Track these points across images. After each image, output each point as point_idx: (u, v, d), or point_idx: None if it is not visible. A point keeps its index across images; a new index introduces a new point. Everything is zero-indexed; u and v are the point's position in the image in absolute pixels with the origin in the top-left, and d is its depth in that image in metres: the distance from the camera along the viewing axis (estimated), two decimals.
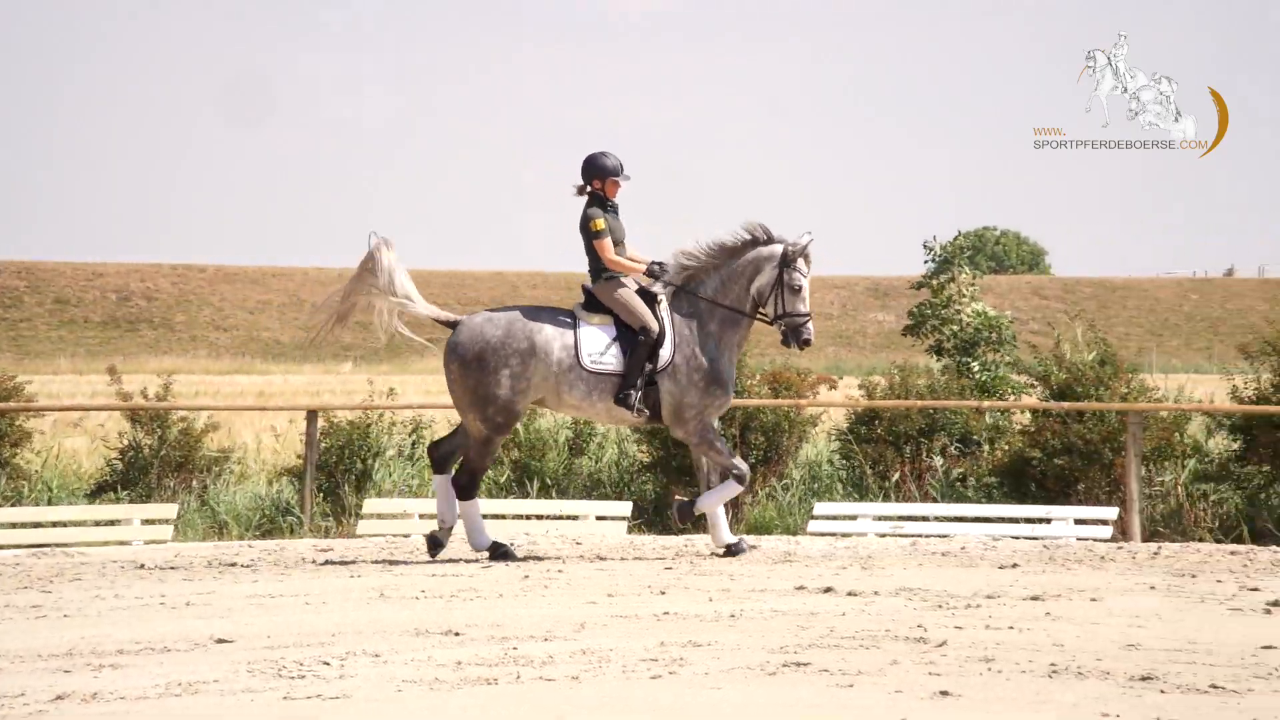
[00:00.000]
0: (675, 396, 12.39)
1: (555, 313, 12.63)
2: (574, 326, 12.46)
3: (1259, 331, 18.41)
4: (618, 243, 12.51)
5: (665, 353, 12.39)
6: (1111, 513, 15.16)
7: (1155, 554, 13.61)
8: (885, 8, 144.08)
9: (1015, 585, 11.20)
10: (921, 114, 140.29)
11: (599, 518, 15.64)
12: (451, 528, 12.63)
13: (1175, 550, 13.93)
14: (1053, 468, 15.79)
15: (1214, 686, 7.55)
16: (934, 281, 21.28)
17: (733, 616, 9.64)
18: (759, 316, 12.55)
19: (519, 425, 15.91)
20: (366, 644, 8.66)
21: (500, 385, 12.32)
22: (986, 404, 17.12)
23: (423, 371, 48.64)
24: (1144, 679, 7.67)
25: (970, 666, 7.97)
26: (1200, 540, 15.22)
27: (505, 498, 16.52)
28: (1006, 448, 16.49)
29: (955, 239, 21.39)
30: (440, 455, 12.74)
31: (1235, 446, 16.10)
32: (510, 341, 12.34)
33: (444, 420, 19.62)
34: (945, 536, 14.81)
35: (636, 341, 12.32)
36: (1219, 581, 11.67)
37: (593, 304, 12.54)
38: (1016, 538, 14.71)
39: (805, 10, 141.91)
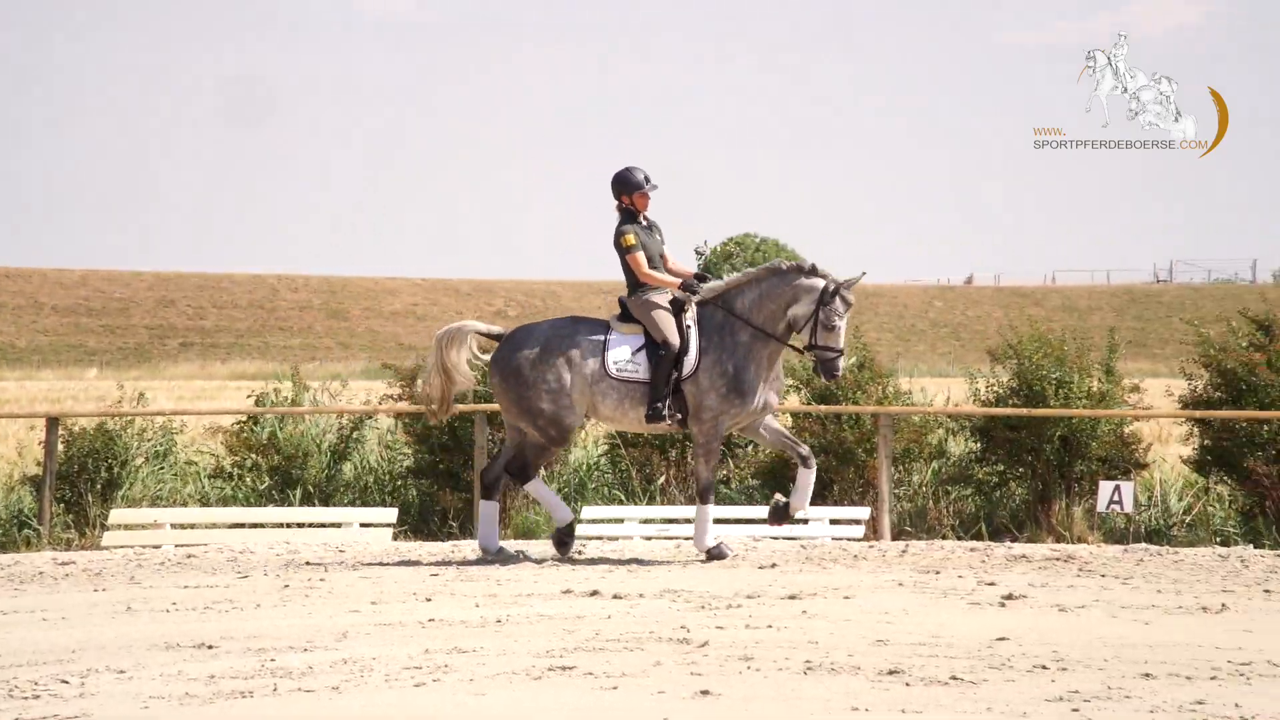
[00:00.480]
0: (696, 398, 12.56)
1: (592, 324, 12.84)
2: (605, 337, 12.67)
3: (998, 336, 18.98)
4: (652, 255, 12.57)
5: (689, 361, 12.54)
6: (864, 513, 15.56)
7: (903, 552, 14.00)
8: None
9: (774, 585, 11.42)
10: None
11: (363, 525, 15.45)
12: (496, 550, 12.94)
13: (921, 548, 14.35)
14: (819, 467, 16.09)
15: (954, 678, 7.83)
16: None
17: (499, 621, 9.65)
18: (790, 344, 12.65)
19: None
20: (111, 660, 8.44)
21: (542, 399, 12.61)
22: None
23: (175, 377, 47.54)
24: (891, 673, 7.93)
25: (730, 665, 8.13)
26: (944, 538, 15.69)
27: (265, 505, 16.26)
28: (768, 450, 16.73)
29: (725, 244, 21.57)
30: (489, 481, 12.95)
31: (976, 447, 16.61)
32: (546, 355, 12.59)
33: (196, 425, 19.25)
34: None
35: (660, 354, 12.55)
36: (960, 577, 12.06)
37: (627, 315, 12.71)
38: (776, 538, 14.98)
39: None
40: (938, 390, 20.99)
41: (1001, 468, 16.33)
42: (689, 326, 12.57)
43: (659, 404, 12.47)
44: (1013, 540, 15.41)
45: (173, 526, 15.11)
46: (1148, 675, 8.00)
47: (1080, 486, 15.97)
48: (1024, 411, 15.93)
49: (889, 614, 10.03)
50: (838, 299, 12.42)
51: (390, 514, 15.64)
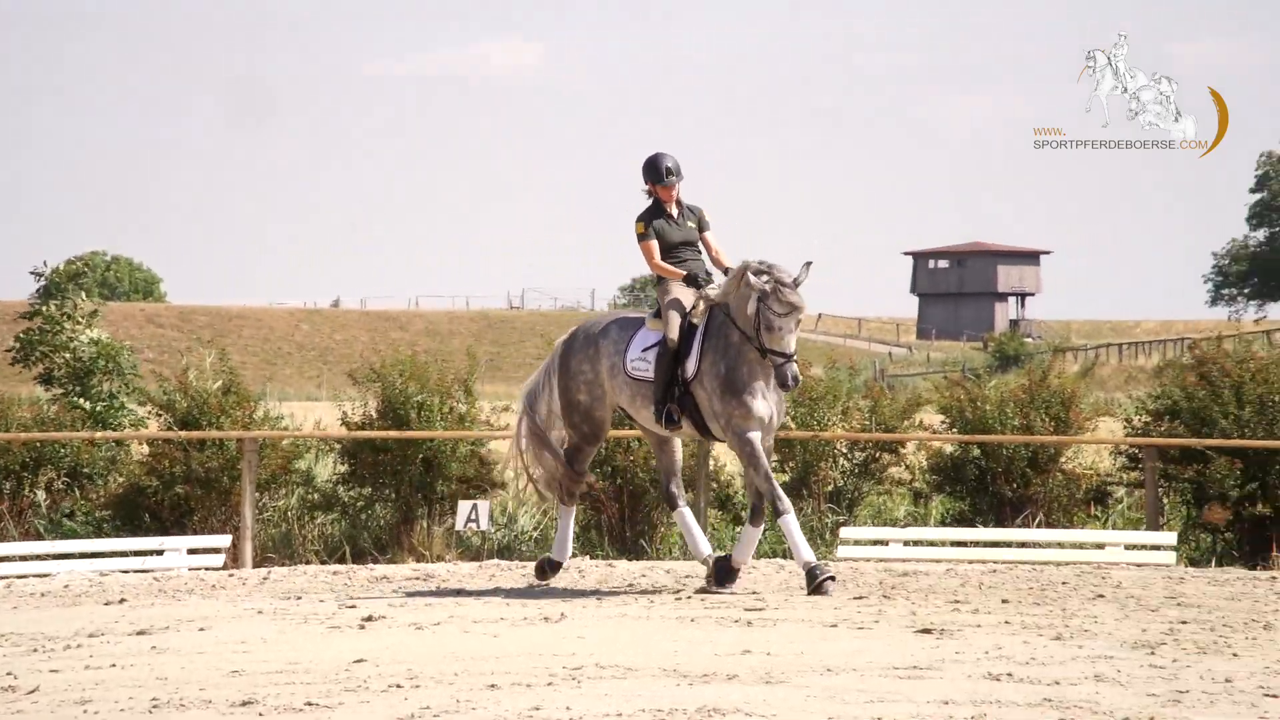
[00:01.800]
0: (705, 404, 12.03)
1: (629, 320, 12.53)
2: (634, 332, 12.30)
3: (365, 360, 19.05)
4: (674, 245, 12.16)
5: (690, 364, 12.00)
6: (225, 540, 15.27)
7: (265, 579, 13.87)
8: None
9: (121, 621, 11.07)
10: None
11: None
12: (710, 557, 12.47)
13: (284, 574, 14.26)
14: (171, 497, 15.67)
15: (309, 704, 7.81)
16: (45, 309, 20.19)
17: None
18: (758, 346, 11.82)
19: None
20: None
21: (580, 390, 12.49)
22: (99, 434, 16.65)
23: None
24: (245, 704, 7.82)
25: (65, 710, 7.81)
26: (308, 563, 15.63)
27: None
28: (121, 479, 16.17)
29: (68, 264, 20.58)
30: (669, 492, 12.68)
31: (344, 471, 16.63)
32: (583, 347, 12.43)
33: None
34: (46, 576, 14.26)
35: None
36: (322, 601, 12.07)
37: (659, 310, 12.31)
38: (126, 571, 14.48)
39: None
40: (307, 414, 20.90)
41: (368, 490, 16.41)
42: (695, 325, 12.09)
43: (663, 404, 12.07)
44: (375, 562, 15.51)
45: None
46: (494, 686, 8.22)
47: (441, 506, 16.24)
48: (392, 434, 16.06)
49: (246, 643, 9.90)
50: (774, 297, 11.65)
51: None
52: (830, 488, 16.82)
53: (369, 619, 10.94)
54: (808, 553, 11.93)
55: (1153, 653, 9.45)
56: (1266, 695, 8.05)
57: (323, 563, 15.66)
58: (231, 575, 14.28)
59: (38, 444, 15.94)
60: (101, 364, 18.80)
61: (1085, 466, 16.81)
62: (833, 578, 11.98)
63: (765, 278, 11.65)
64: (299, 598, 12.38)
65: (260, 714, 7.60)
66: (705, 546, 12.54)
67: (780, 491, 11.94)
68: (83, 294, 19.92)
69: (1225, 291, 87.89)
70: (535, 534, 16.62)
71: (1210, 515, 15.67)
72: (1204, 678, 8.55)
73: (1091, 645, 9.73)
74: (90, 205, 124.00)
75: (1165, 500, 16.18)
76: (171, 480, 15.71)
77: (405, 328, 70.06)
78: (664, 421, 12.08)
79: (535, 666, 8.83)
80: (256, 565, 15.35)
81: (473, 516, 15.60)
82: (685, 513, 12.61)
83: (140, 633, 10.44)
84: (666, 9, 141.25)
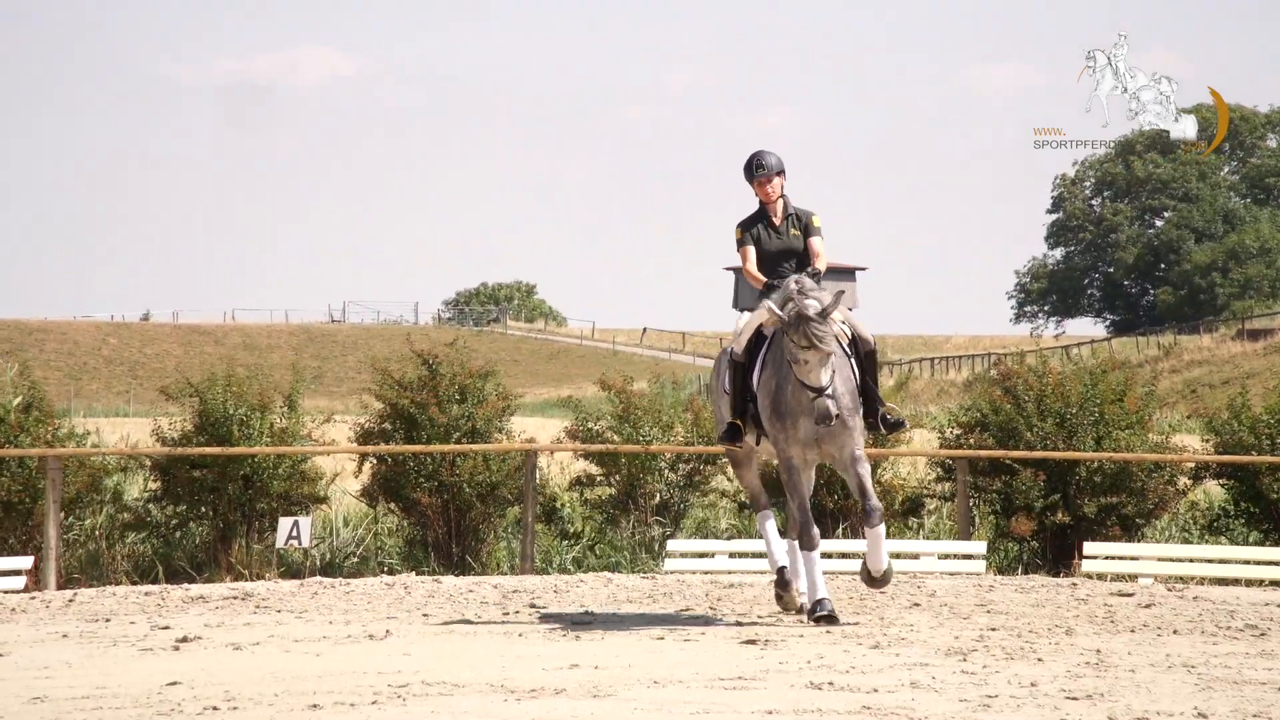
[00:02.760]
0: (763, 420, 11.27)
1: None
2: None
3: (179, 374, 18.63)
4: (771, 254, 11.33)
5: (754, 377, 11.31)
6: (27, 562, 14.85)
7: (71, 600, 13.51)
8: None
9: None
10: None
11: None
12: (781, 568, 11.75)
13: (92, 595, 13.90)
14: None
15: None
16: None
17: None
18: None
19: None
20: None
21: (712, 405, 12.93)
22: None
23: None
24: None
25: None
26: (119, 584, 15.27)
27: None
28: None
29: None
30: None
31: (156, 488, 16.27)
32: (717, 363, 12.13)
33: None
34: None
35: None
36: (133, 623, 11.78)
37: None
38: None
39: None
40: (115, 430, 20.44)
41: (183, 508, 16.08)
42: (765, 338, 11.28)
43: (731, 420, 11.42)
44: (191, 582, 15.22)
45: None
46: (315, 706, 8.08)
47: (262, 524, 16.00)
48: (212, 451, 15.76)
49: (49, 668, 9.61)
50: (792, 331, 10.70)
51: None
52: (656, 501, 16.89)
53: (184, 640, 10.70)
54: (821, 590, 11.07)
55: (965, 659, 9.61)
56: (1068, 698, 8.28)
57: (134, 583, 15.31)
58: (34, 598, 13.83)
59: None
60: None
61: (900, 478, 17.08)
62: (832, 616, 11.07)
63: (790, 305, 10.78)
64: (108, 620, 12.07)
65: None
66: (781, 557, 11.68)
67: (811, 528, 11.07)
68: None
69: (1027, 309, 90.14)
70: (359, 550, 16.45)
71: (1017, 527, 16.05)
72: (1011, 682, 8.75)
73: (908, 653, 9.87)
74: None
75: (975, 511, 16.50)
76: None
77: (221, 341, 68.96)
78: (722, 438, 11.53)
79: (360, 685, 8.70)
80: (61, 587, 14.94)
81: (294, 533, 15.39)
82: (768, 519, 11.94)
83: None
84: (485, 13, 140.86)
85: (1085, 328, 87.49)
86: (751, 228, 11.39)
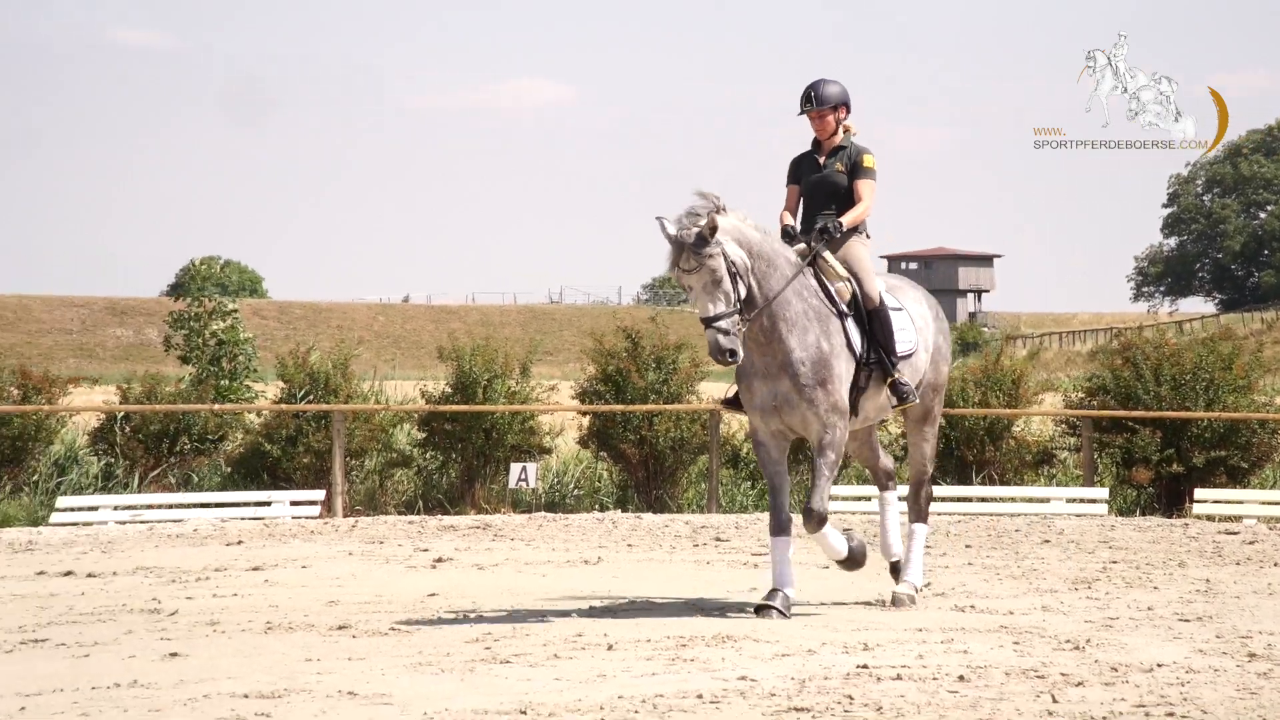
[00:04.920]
0: None
1: None
2: None
3: (433, 345, 18.93)
4: (810, 189, 8.25)
5: None
6: (320, 494, 15.33)
7: (354, 526, 13.91)
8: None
9: (240, 559, 11.12)
10: None
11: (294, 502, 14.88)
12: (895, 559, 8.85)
13: (369, 522, 14.30)
14: (284, 457, 15.75)
15: (393, 628, 7.83)
16: (194, 304, 19.85)
17: None
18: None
19: None
20: None
21: None
22: (219, 407, 16.64)
23: None
24: (340, 628, 7.85)
25: (198, 630, 7.85)
26: (389, 514, 15.68)
27: None
28: (241, 443, 16.24)
29: (201, 267, 20.40)
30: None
31: (420, 437, 16.65)
32: None
33: None
34: (180, 521, 14.41)
35: None
36: (399, 545, 12.09)
37: None
38: (243, 519, 14.56)
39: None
40: (393, 392, 20.86)
41: (439, 454, 16.44)
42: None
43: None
44: (444, 514, 15.55)
45: None
46: (543, 615, 8.24)
47: (499, 468, 16.27)
48: (461, 408, 16.10)
49: (340, 579, 9.93)
50: (674, 250, 7.81)
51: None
52: None
53: (439, 560, 10.96)
54: (783, 579, 8.13)
55: (1089, 587, 9.45)
56: (1181, 620, 8.11)
57: (400, 514, 15.70)
58: (326, 523, 14.33)
59: (178, 414, 16.00)
60: (227, 350, 18.68)
61: (1033, 434, 16.81)
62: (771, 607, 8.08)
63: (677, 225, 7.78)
64: (381, 542, 12.40)
65: (354, 636, 7.63)
66: (897, 547, 8.82)
67: (779, 513, 8.09)
68: (227, 298, 19.69)
69: (1145, 289, 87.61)
70: (575, 491, 16.65)
71: (1136, 476, 15.70)
72: (1130, 607, 8.59)
73: (1039, 582, 9.73)
74: (198, 213, 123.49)
75: (1099, 462, 16.17)
76: (283, 443, 15.79)
77: (463, 319, 69.90)
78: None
79: (578, 600, 8.84)
80: (347, 515, 15.40)
81: (523, 476, 15.66)
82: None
83: (255, 569, 10.49)
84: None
85: (1197, 305, 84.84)
86: (798, 162, 8.40)
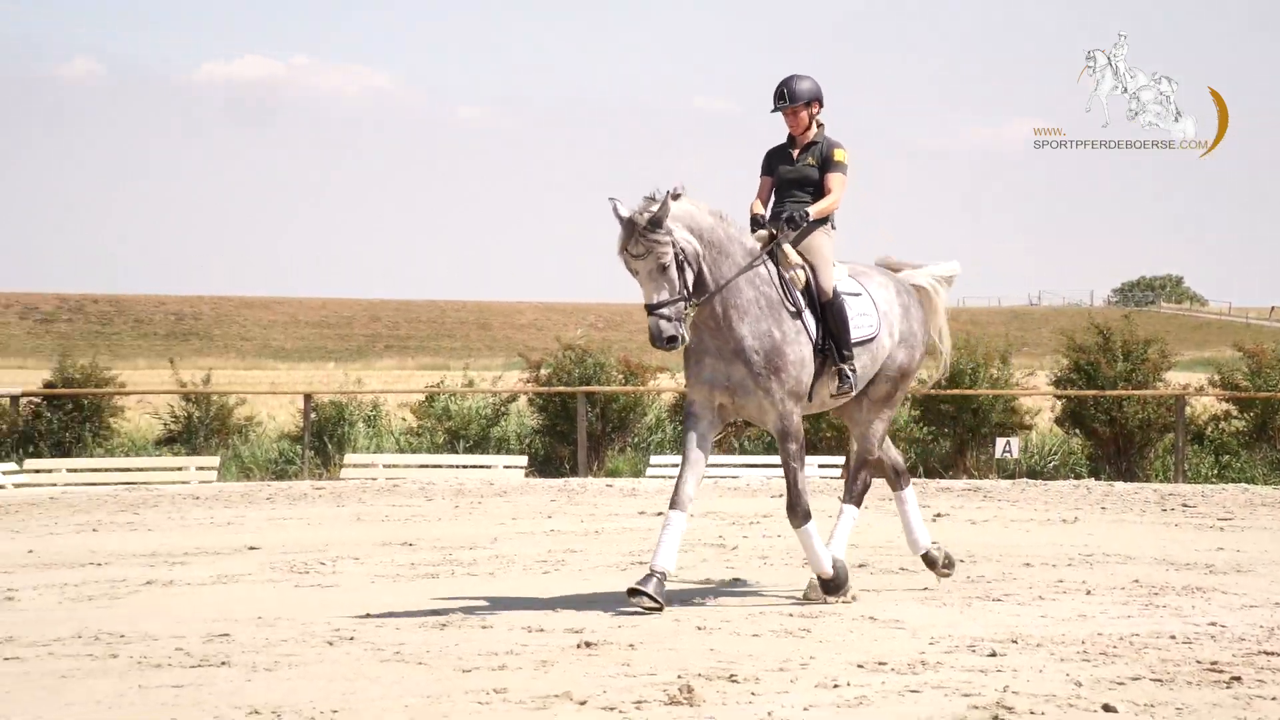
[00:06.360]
0: None
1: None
2: None
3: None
4: (784, 183, 6.80)
5: None
6: (840, 460, 15.45)
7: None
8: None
9: (783, 508, 11.33)
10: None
11: (505, 467, 15.56)
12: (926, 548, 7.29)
13: (879, 484, 14.06)
14: (811, 431, 15.98)
15: (901, 569, 7.80)
16: None
17: (597, 532, 9.62)
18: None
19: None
20: (349, 551, 8.54)
21: None
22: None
23: (382, 368, 48.06)
24: (859, 565, 7.91)
25: (753, 561, 8.13)
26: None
27: (441, 453, 16.38)
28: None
29: None
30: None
31: (916, 415, 16.44)
32: None
33: (396, 402, 19.46)
34: (736, 477, 14.94)
35: None
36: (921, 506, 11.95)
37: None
38: (783, 479, 14.82)
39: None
40: None
41: (933, 429, 16.24)
42: None
43: None
44: (940, 478, 15.32)
45: (384, 466, 15.27)
46: (1028, 564, 7.96)
47: (985, 441, 15.89)
48: (953, 391, 15.84)
49: (857, 527, 9.75)
50: (624, 233, 6.32)
51: (522, 459, 15.66)
52: None
53: (938, 515, 10.78)
54: (661, 558, 6.34)
55: None
56: None
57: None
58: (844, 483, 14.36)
59: None
60: None
61: None
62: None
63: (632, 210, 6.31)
64: (890, 499, 12.30)
65: (871, 573, 7.68)
66: (923, 538, 7.25)
67: (680, 488, 6.40)
68: None
69: None
70: (1054, 460, 15.94)
71: None
72: None
73: None
74: None
75: None
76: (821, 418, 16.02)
77: (954, 319, 68.48)
78: None
79: (1057, 553, 8.47)
80: None
81: (1007, 449, 15.23)
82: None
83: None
84: None
85: None
86: (772, 157, 6.91)
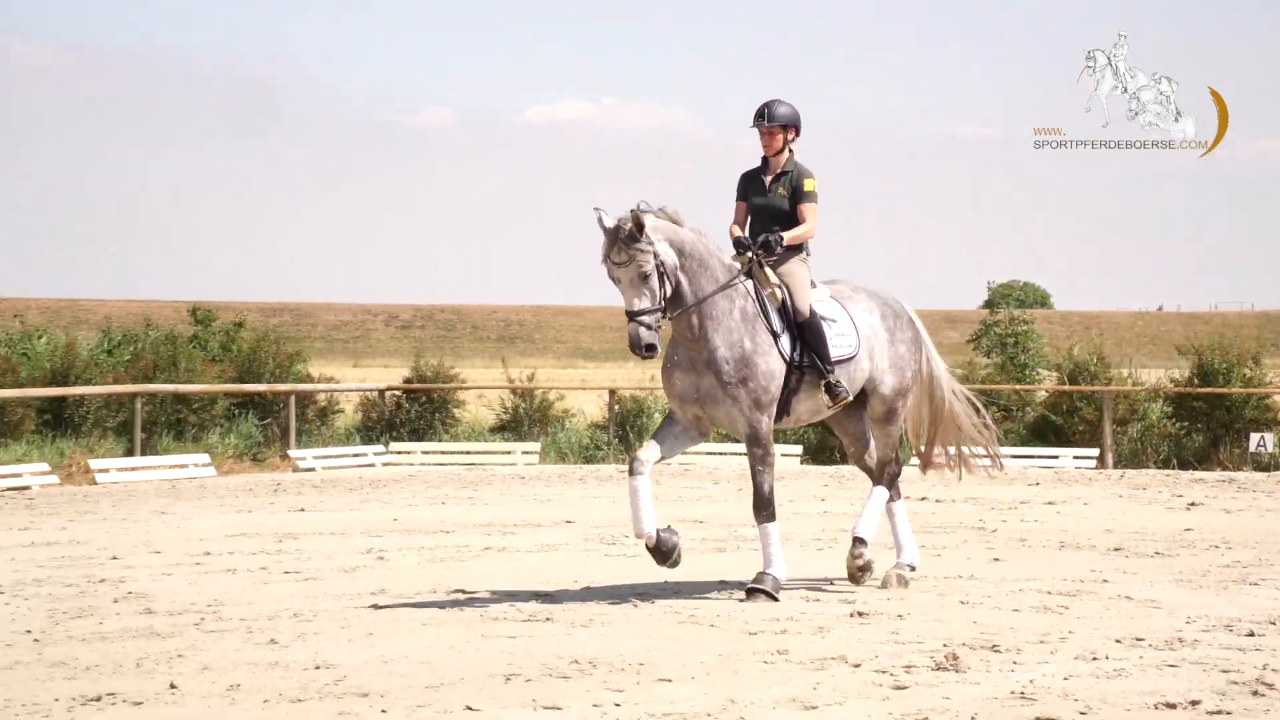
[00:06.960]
0: None
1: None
2: None
3: (1183, 342, 17.44)
4: (756, 209, 6.26)
5: None
6: (1095, 451, 14.75)
7: (1121, 476, 13.19)
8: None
9: (1038, 496, 10.97)
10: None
11: (783, 455, 15.50)
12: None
13: (1134, 474, 13.50)
14: (1065, 424, 15.27)
15: (1157, 553, 7.39)
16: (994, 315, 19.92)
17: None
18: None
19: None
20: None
21: None
22: (1021, 386, 16.46)
23: None
24: (1116, 549, 7.54)
25: (1012, 544, 7.87)
26: (1148, 468, 14.70)
27: (723, 442, 16.53)
28: (1034, 411, 16.02)
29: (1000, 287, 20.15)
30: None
31: (1169, 411, 15.45)
32: None
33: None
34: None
35: None
36: (1159, 492, 11.31)
37: None
38: (1038, 468, 14.31)
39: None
40: (1145, 376, 19.57)
41: (1186, 424, 15.20)
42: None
43: None
44: (1194, 470, 14.30)
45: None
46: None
47: (1238, 436, 14.73)
48: (1205, 390, 14.87)
49: (1113, 514, 9.51)
50: (607, 242, 5.87)
51: (798, 449, 15.38)
52: None
53: (1193, 504, 10.11)
54: (645, 521, 5.92)
55: None
56: None
57: (1158, 468, 14.65)
58: (1101, 473, 13.71)
59: (988, 391, 15.95)
60: (1022, 345, 18.36)
61: None
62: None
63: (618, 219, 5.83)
64: (1144, 489, 11.66)
65: (1126, 556, 7.26)
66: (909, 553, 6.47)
67: (636, 458, 5.94)
68: (1021, 310, 19.49)
69: None
70: None
71: None
72: None
73: None
74: None
75: None
76: (1064, 414, 15.31)
77: (1208, 323, 63.22)
78: None
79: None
80: (1115, 468, 14.64)
81: (1261, 443, 14.13)
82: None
83: (1049, 503, 10.21)
84: None
85: None
86: (744, 180, 6.32)
